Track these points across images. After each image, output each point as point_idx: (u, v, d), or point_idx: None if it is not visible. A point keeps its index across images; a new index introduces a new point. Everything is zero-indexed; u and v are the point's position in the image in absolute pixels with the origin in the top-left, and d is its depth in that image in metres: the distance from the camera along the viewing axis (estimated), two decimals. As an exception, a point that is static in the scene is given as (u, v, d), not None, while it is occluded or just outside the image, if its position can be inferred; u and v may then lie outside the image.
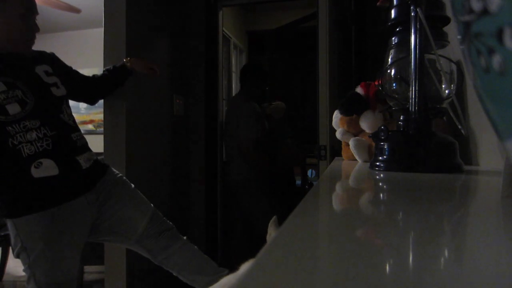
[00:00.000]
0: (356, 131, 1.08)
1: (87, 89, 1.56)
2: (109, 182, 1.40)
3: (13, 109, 1.20)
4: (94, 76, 1.57)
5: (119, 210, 1.39)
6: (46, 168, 1.22)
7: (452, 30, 0.75)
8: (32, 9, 1.30)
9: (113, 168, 1.47)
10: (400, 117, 0.72)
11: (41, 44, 1.44)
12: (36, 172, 1.20)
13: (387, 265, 0.19)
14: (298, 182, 3.44)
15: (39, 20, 1.34)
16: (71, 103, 1.43)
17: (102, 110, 1.73)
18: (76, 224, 1.28)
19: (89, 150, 1.39)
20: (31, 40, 1.32)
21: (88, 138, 1.46)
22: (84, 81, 1.53)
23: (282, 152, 2.62)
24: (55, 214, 1.23)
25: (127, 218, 1.41)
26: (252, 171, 2.37)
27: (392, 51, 0.83)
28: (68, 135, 1.30)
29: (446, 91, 0.78)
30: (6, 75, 1.23)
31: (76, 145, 1.31)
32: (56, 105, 1.32)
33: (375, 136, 0.71)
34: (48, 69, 1.35)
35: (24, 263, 1.23)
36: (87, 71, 1.59)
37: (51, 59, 1.42)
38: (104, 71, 1.60)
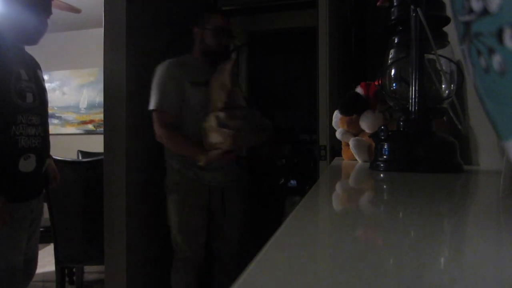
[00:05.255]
0: (356, 131, 1.07)
1: None
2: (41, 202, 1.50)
3: (29, 98, 1.30)
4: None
5: (35, 234, 1.45)
6: (30, 164, 1.31)
7: (452, 30, 0.75)
8: (49, 10, 1.40)
9: None
10: (400, 117, 0.72)
11: (41, 44, 1.45)
12: (22, 164, 1.28)
13: (387, 265, 0.19)
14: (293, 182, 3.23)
15: None
16: (71, 101, 1.48)
17: (102, 110, 1.73)
18: (27, 222, 1.36)
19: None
20: (40, 37, 1.40)
21: (88, 138, 1.49)
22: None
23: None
24: (22, 207, 1.32)
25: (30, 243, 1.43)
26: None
27: (392, 51, 0.83)
28: (48, 139, 1.42)
29: (446, 91, 0.78)
30: (26, 68, 1.33)
31: (48, 150, 1.44)
32: (47, 110, 1.44)
33: (375, 136, 0.71)
34: (42, 76, 1.46)
35: None
36: (87, 71, 1.60)
37: (41, 70, 1.50)
38: None
